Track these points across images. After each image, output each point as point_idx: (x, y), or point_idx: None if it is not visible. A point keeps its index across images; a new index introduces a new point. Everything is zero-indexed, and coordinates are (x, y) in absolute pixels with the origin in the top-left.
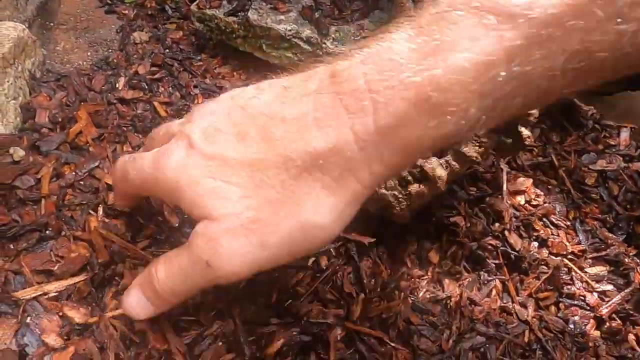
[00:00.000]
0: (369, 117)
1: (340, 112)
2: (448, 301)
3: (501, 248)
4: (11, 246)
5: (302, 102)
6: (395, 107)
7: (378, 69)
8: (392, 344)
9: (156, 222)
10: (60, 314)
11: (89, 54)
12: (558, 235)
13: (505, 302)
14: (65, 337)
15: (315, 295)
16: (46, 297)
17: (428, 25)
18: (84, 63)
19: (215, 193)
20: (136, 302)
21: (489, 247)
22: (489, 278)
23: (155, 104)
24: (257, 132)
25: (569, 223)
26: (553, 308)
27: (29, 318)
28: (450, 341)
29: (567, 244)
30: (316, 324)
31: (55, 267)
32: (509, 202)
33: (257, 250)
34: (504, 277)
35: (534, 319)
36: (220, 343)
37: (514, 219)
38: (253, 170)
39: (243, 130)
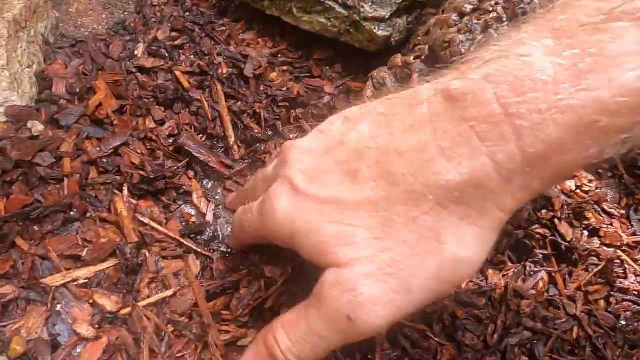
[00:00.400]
0: (511, 145)
1: (472, 140)
2: (493, 293)
3: (550, 237)
4: (35, 228)
5: (416, 130)
6: (547, 133)
7: (513, 89)
8: (437, 340)
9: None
10: (91, 301)
11: (104, 16)
12: (612, 225)
13: (552, 295)
14: (97, 326)
15: None
16: (75, 284)
17: (573, 36)
18: (99, 27)
19: (339, 238)
20: None
21: (537, 236)
22: (536, 269)
23: (177, 73)
24: (370, 168)
25: (622, 211)
26: (603, 303)
27: (59, 306)
28: (496, 336)
29: (622, 234)
30: None
31: (84, 253)
32: (558, 187)
33: (400, 296)
34: (551, 268)
35: (583, 314)
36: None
37: (565, 207)
38: (377, 210)
39: (352, 168)
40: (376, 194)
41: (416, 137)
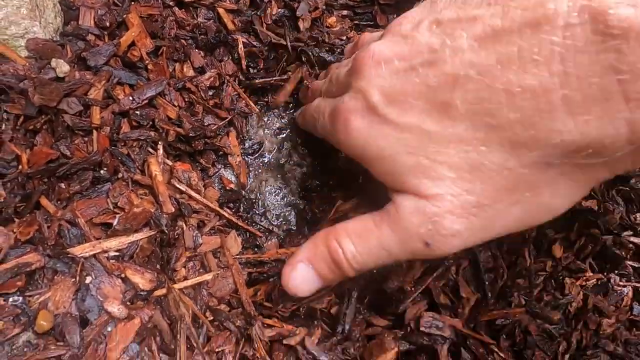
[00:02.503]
0: None
1: (614, 98)
2: (569, 307)
3: None
4: (62, 186)
5: (538, 67)
6: None
7: None
8: (502, 355)
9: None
10: (123, 276)
11: None
12: None
13: (637, 315)
14: (129, 303)
15: (426, 295)
16: (105, 255)
17: None
18: None
19: (420, 171)
20: (302, 277)
21: (629, 244)
22: (622, 283)
23: (220, 11)
24: (467, 104)
25: None
26: None
27: (88, 278)
28: (567, 357)
29: None
30: (428, 335)
31: (115, 221)
32: None
33: (479, 233)
34: None
35: None
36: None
37: None
38: (466, 151)
39: (443, 98)
40: (470, 135)
41: (537, 76)
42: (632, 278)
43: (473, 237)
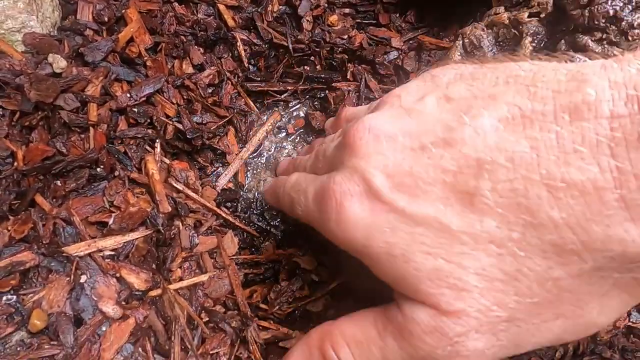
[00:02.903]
0: None
1: None
2: None
3: None
4: (58, 183)
5: (585, 161)
6: None
7: None
8: None
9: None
10: (118, 276)
11: None
12: None
13: (635, 322)
14: (124, 303)
15: None
16: (101, 254)
17: None
18: None
19: (441, 278)
20: None
21: None
22: None
23: (220, 7)
24: (497, 194)
25: None
26: None
27: (83, 277)
28: None
29: None
30: None
31: (111, 220)
32: None
33: (507, 350)
34: None
35: None
36: None
37: None
38: (500, 254)
39: (467, 187)
40: (503, 234)
41: (584, 170)
42: None
43: (500, 355)
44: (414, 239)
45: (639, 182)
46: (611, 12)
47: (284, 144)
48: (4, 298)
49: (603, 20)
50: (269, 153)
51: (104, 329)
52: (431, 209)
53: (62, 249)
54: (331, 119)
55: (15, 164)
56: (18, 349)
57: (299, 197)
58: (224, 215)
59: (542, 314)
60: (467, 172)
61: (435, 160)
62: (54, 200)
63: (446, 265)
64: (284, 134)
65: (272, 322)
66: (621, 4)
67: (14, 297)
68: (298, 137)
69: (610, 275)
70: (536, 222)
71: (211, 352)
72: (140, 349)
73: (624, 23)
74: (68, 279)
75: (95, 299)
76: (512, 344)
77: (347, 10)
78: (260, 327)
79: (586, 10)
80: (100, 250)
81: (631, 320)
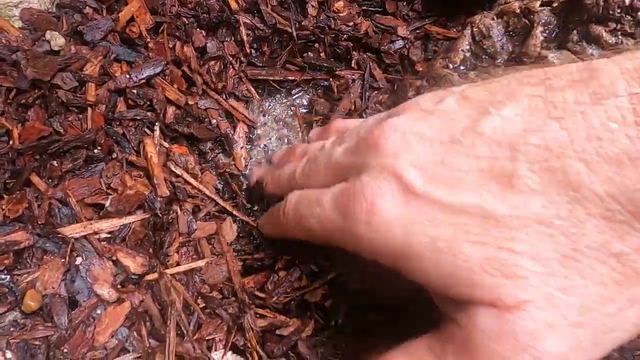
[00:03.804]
0: None
1: None
2: None
3: None
4: (55, 163)
5: (614, 134)
6: None
7: None
8: None
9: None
10: (114, 259)
11: None
12: None
13: None
14: (120, 286)
15: None
16: (97, 237)
17: None
18: None
19: (494, 267)
20: None
21: None
22: None
23: None
24: (537, 175)
25: None
26: None
27: (78, 259)
28: None
29: None
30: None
31: (107, 202)
32: None
33: (587, 352)
34: None
35: None
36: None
37: None
38: (551, 234)
39: (503, 169)
40: (550, 212)
41: (616, 142)
42: None
43: (580, 356)
44: (459, 228)
45: None
46: (627, 1)
47: (285, 131)
48: None
49: (618, 10)
50: (269, 140)
51: (99, 312)
52: (471, 196)
53: (58, 229)
54: (317, 129)
55: (11, 142)
56: (11, 329)
57: (312, 210)
58: (222, 202)
59: (614, 300)
60: (502, 156)
61: (467, 149)
62: (50, 180)
63: (498, 253)
64: (285, 121)
65: (269, 310)
66: None
67: (8, 277)
68: (299, 125)
69: None
70: (580, 196)
71: (207, 338)
72: (135, 333)
73: (639, 13)
74: (63, 260)
75: (91, 281)
76: (592, 343)
77: None
78: (257, 315)
79: (601, 0)
80: (96, 233)
81: None
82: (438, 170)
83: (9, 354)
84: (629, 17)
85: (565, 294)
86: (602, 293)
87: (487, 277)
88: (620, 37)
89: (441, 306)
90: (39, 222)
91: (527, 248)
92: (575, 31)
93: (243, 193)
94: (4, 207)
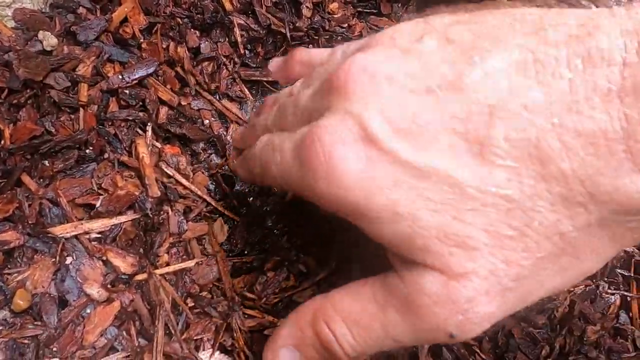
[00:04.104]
0: None
1: None
2: (555, 312)
3: (637, 257)
4: (46, 163)
5: (596, 110)
6: None
7: None
8: (483, 357)
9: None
10: (104, 259)
11: None
12: None
13: (622, 323)
14: (109, 286)
15: None
16: (87, 237)
17: None
18: None
19: (450, 237)
20: None
21: (621, 252)
22: (610, 291)
23: None
24: (511, 144)
25: None
26: None
27: (68, 259)
28: None
29: None
30: None
31: (98, 202)
32: None
33: (512, 308)
34: (629, 293)
35: None
36: None
37: None
38: (511, 210)
39: (477, 136)
40: (513, 185)
41: (595, 120)
42: (621, 286)
43: (505, 314)
44: (420, 194)
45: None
46: None
47: None
48: None
49: None
50: None
51: (88, 311)
52: (439, 161)
53: (48, 229)
54: (276, 59)
55: (2, 142)
56: (0, 327)
57: (273, 155)
58: (213, 203)
59: (547, 269)
60: (478, 119)
61: (442, 105)
62: (41, 180)
63: (455, 223)
64: None
65: (258, 311)
66: None
67: None
68: None
69: (609, 227)
70: (546, 173)
71: (195, 338)
72: (124, 332)
73: None
74: (53, 260)
75: (81, 281)
76: (519, 301)
77: None
78: (246, 315)
79: None
80: (87, 233)
81: (619, 321)
82: (408, 125)
83: None
84: None
85: (508, 266)
86: (539, 265)
87: (441, 246)
88: None
89: (390, 257)
90: (30, 222)
91: (482, 220)
92: None
93: (234, 193)
94: None
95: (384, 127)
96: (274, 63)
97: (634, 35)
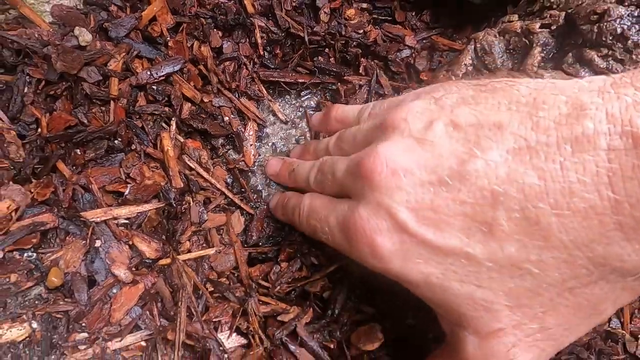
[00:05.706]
0: None
1: None
2: None
3: None
4: (78, 152)
5: (585, 187)
6: None
7: None
8: None
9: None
10: (130, 243)
11: None
12: None
13: (614, 327)
14: (135, 269)
15: None
16: (115, 222)
17: None
18: None
19: (476, 302)
20: None
21: None
22: None
23: None
24: (513, 222)
25: None
26: None
27: (97, 242)
28: None
29: None
30: (413, 327)
31: (126, 190)
32: None
33: (550, 353)
34: None
35: None
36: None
37: None
38: (522, 275)
39: (485, 218)
40: (522, 257)
41: (587, 199)
42: None
43: (542, 358)
44: (447, 268)
45: (631, 209)
46: (619, 30)
47: (292, 131)
48: (25, 255)
49: (610, 37)
50: (278, 139)
51: (115, 291)
52: (456, 240)
53: (80, 213)
54: (318, 114)
55: (40, 130)
56: (36, 302)
57: (322, 226)
58: (231, 196)
59: (568, 321)
60: (484, 203)
61: (453, 193)
62: (74, 167)
63: (479, 291)
64: (294, 121)
65: (272, 298)
66: (629, 24)
67: (34, 254)
68: (306, 125)
69: (617, 281)
70: (549, 244)
71: (214, 320)
72: (147, 312)
73: (630, 42)
74: (84, 242)
75: (109, 262)
76: (552, 348)
77: (364, 5)
78: (261, 302)
79: (595, 27)
80: (115, 218)
81: (611, 326)
82: (428, 213)
83: (34, 324)
84: (619, 45)
85: (530, 321)
86: (558, 319)
87: (471, 310)
88: (611, 62)
89: (440, 320)
90: (64, 206)
91: (501, 286)
92: (570, 54)
93: (251, 187)
94: (32, 190)
95: (409, 216)
96: (315, 119)
97: (618, 120)
